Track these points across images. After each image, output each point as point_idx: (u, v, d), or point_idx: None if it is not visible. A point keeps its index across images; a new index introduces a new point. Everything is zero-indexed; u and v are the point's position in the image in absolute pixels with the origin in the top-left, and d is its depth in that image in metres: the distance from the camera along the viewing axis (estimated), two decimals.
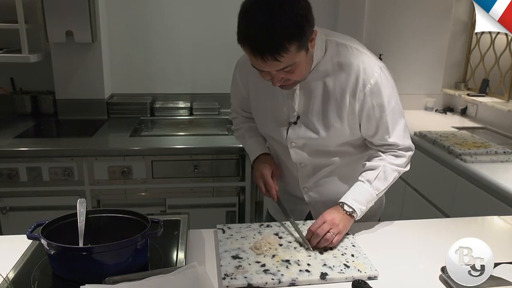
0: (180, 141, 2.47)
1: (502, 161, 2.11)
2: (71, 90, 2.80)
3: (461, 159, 2.11)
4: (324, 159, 1.38)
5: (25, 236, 1.03)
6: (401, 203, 2.67)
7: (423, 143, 2.44)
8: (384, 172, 1.29)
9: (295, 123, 1.33)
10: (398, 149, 1.32)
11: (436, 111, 3.24)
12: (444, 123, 2.89)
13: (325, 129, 1.30)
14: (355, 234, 1.32)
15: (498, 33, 2.91)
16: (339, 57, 1.24)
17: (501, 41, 2.89)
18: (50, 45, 2.71)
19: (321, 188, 1.44)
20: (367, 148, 1.39)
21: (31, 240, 1.09)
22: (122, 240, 0.99)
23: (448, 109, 3.25)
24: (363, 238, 1.30)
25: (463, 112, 3.12)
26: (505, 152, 2.17)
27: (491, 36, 3.00)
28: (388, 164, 1.30)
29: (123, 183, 2.33)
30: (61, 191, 2.29)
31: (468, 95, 3.03)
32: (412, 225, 1.43)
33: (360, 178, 1.32)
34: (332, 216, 1.24)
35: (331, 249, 1.22)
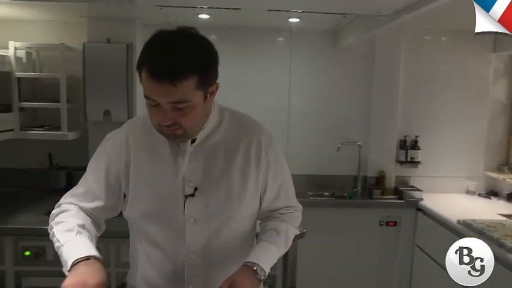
0: None
1: None
2: None
3: None
4: (217, 252, 1.21)
5: None
6: None
7: (468, 233, 2.24)
8: (287, 237, 1.26)
9: (192, 195, 1.17)
10: (295, 210, 1.34)
11: (479, 195, 3.09)
12: (489, 210, 2.71)
13: (228, 199, 1.19)
14: None
15: None
16: (237, 123, 1.24)
17: None
18: (87, 123, 2.79)
19: None
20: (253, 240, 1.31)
21: None
22: None
23: (492, 193, 3.08)
24: None
25: (510, 197, 2.94)
26: None
27: None
28: (290, 226, 1.29)
29: None
30: None
31: None
32: None
33: (265, 239, 1.22)
34: (244, 278, 1.10)
35: None
